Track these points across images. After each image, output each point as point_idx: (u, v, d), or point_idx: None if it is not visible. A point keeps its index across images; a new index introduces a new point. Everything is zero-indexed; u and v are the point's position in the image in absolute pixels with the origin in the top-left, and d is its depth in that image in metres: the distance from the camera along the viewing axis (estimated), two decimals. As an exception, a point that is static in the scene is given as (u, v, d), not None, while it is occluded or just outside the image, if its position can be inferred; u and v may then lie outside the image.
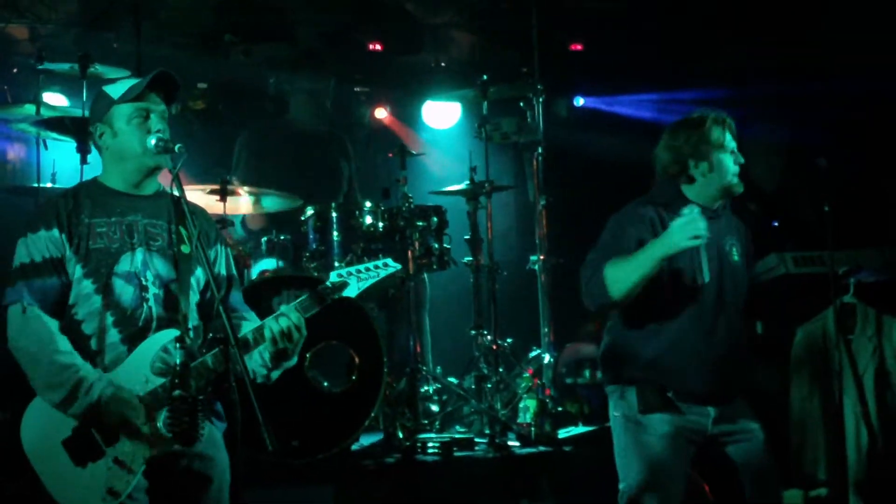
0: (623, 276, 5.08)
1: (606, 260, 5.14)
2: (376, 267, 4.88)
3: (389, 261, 4.94)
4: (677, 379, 5.21)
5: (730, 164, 5.33)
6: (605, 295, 5.10)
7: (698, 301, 5.24)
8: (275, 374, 4.72)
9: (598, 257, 5.20)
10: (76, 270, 4.58)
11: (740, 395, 5.40)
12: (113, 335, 4.55)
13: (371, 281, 4.84)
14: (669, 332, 5.22)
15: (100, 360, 4.51)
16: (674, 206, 5.28)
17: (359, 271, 4.82)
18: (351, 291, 4.78)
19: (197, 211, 4.90)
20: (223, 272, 4.90)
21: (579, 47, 10.08)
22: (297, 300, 4.71)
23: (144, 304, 4.59)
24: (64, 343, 4.48)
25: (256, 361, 4.64)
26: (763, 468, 5.30)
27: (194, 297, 4.74)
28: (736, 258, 5.42)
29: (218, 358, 4.42)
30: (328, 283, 4.75)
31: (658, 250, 5.08)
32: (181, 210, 4.60)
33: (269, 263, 7.66)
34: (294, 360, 4.74)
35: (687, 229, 5.03)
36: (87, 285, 4.56)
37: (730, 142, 5.34)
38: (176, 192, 4.53)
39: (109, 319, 4.55)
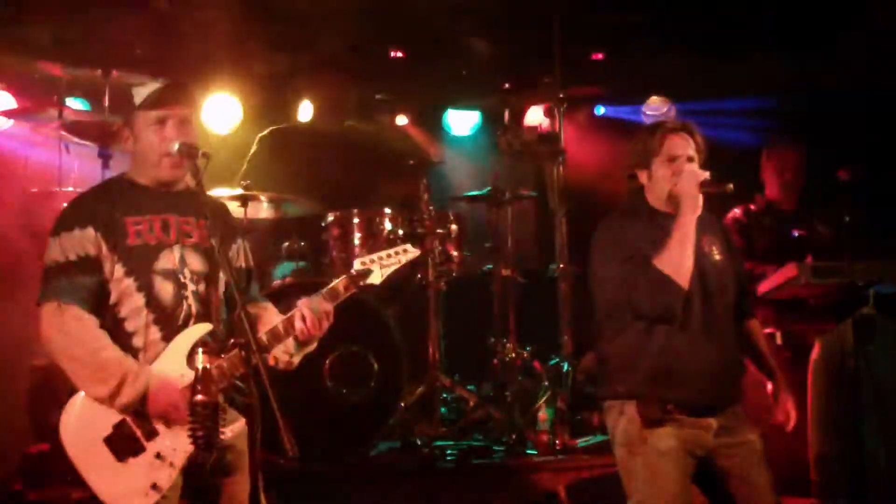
0: (680, 261, 5.08)
1: (638, 266, 5.14)
2: (396, 253, 4.97)
3: (409, 246, 5.03)
4: (676, 389, 5.18)
5: (663, 171, 5.32)
6: (677, 289, 5.07)
7: (685, 307, 5.21)
8: (297, 359, 4.80)
9: (628, 267, 5.18)
10: (116, 269, 4.61)
11: (738, 401, 5.38)
12: (154, 332, 4.59)
13: (393, 267, 4.94)
14: (660, 339, 5.19)
15: (142, 357, 4.55)
16: (640, 213, 5.36)
17: (381, 258, 4.92)
18: (375, 278, 4.88)
19: (219, 208, 4.96)
20: (243, 265, 4.98)
21: (600, 57, 10.09)
22: (325, 289, 4.78)
23: (184, 302, 4.63)
24: (106, 338, 4.53)
25: (279, 348, 4.72)
26: (761, 480, 5.28)
27: (219, 291, 4.77)
28: (717, 257, 5.40)
29: (233, 361, 4.49)
30: (352, 272, 4.83)
31: (686, 214, 5.12)
32: (209, 204, 4.67)
33: (287, 267, 7.70)
34: (314, 346, 4.82)
35: (690, 179, 5.16)
36: (129, 283, 4.60)
37: (673, 149, 5.34)
38: (202, 196, 4.58)
39: (151, 317, 4.59)
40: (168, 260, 4.66)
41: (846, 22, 9.04)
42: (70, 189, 7.60)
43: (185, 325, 4.62)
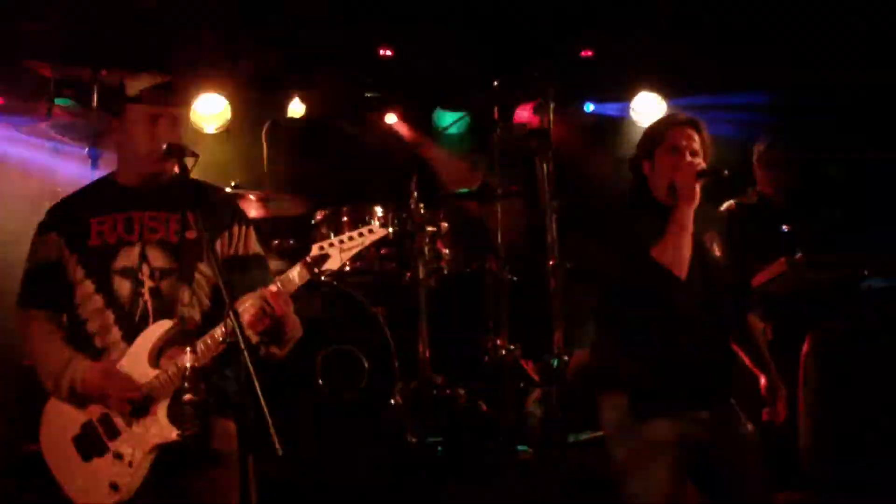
0: (677, 252, 5.12)
1: (636, 257, 5.15)
2: (360, 235, 4.53)
3: (375, 226, 4.60)
4: (671, 382, 5.19)
5: (665, 162, 5.33)
6: (675, 280, 5.12)
7: (681, 299, 5.23)
8: (275, 350, 4.62)
9: (627, 259, 5.21)
10: (77, 271, 4.63)
11: (731, 393, 5.40)
12: (115, 333, 4.59)
13: (355, 250, 4.51)
14: (656, 332, 5.20)
15: (104, 358, 4.55)
16: (643, 205, 5.40)
17: (341, 241, 4.50)
18: (333, 263, 4.47)
19: (211, 193, 4.90)
20: (240, 252, 4.84)
21: (590, 53, 10.08)
22: (278, 278, 4.55)
23: (140, 300, 4.61)
24: (51, 335, 4.62)
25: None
26: (754, 473, 5.28)
27: (191, 285, 4.73)
28: (717, 252, 5.41)
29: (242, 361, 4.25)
30: (307, 258, 4.49)
31: (683, 205, 5.17)
32: (191, 198, 4.57)
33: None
34: (288, 335, 4.63)
35: (687, 170, 5.19)
36: (88, 285, 4.63)
37: (677, 141, 5.34)
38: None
39: (112, 317, 4.59)
40: (127, 258, 4.65)
41: (836, 16, 9.07)
42: (59, 189, 7.58)
43: (143, 322, 4.60)
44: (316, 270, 4.47)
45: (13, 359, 6.57)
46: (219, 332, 4.39)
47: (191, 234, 4.67)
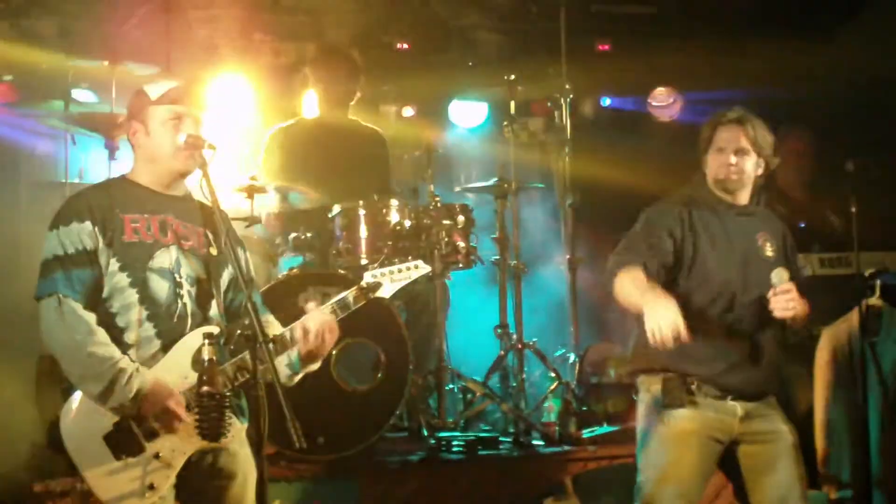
0: (621, 293, 5.18)
1: (630, 252, 5.21)
2: (408, 269, 5.10)
3: (420, 263, 5.19)
4: (701, 367, 5.21)
5: (710, 161, 5.45)
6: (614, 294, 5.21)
7: (724, 294, 5.28)
8: (297, 378, 4.83)
9: (624, 248, 5.31)
10: (111, 263, 4.60)
11: (772, 394, 5.41)
12: (147, 329, 4.58)
13: (403, 282, 5.07)
14: (696, 323, 5.20)
15: (132, 353, 4.54)
16: (699, 201, 5.42)
17: (391, 272, 5.05)
18: (385, 292, 5.01)
19: (225, 217, 4.92)
20: (245, 275, 4.90)
21: (607, 47, 10.08)
22: (333, 300, 4.85)
23: (179, 301, 4.63)
24: (101, 335, 4.50)
25: (282, 362, 4.70)
26: (788, 472, 5.27)
27: (219, 298, 4.78)
28: (769, 253, 5.42)
29: (255, 354, 4.41)
30: (363, 284, 4.94)
31: (643, 306, 5.10)
32: (209, 212, 4.64)
33: (295, 261, 7.67)
34: (317, 364, 4.84)
35: (662, 317, 4.99)
36: (122, 279, 4.59)
37: (720, 140, 5.42)
38: (206, 190, 4.57)
39: (144, 314, 4.58)
40: (164, 259, 4.67)
41: (852, 11, 9.05)
42: (76, 181, 7.60)
43: (181, 323, 4.62)
44: (371, 296, 4.97)
45: (26, 349, 6.57)
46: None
47: (213, 251, 4.75)
